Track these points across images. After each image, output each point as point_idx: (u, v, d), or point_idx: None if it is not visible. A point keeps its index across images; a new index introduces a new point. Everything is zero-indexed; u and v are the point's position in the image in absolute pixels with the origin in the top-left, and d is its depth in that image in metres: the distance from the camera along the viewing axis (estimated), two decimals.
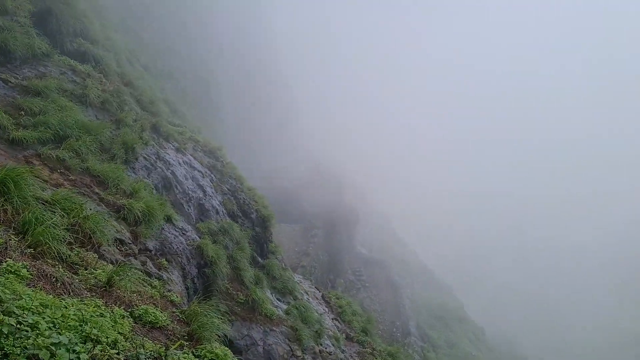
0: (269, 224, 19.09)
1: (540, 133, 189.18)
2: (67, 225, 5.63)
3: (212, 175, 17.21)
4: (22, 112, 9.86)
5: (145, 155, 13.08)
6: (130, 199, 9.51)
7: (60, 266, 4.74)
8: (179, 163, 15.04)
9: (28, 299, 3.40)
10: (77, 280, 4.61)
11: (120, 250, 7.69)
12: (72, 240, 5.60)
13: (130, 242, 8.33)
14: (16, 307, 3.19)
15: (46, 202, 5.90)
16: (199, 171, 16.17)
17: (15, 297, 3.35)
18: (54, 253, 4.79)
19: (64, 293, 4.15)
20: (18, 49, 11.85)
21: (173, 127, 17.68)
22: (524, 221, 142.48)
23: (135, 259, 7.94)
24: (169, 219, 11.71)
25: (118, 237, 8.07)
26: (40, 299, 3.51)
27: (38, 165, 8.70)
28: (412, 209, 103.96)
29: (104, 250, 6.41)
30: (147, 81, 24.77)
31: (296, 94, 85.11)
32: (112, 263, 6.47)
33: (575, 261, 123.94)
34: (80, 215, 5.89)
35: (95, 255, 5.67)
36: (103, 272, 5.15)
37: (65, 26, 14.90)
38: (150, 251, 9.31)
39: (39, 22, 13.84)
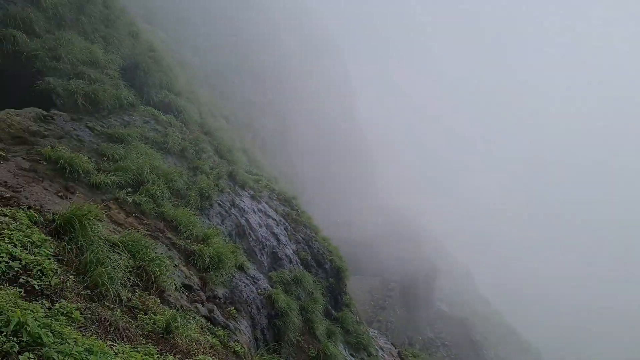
0: (344, 275, 18.53)
1: None
2: (131, 268, 5.47)
3: (287, 224, 17.04)
4: (105, 158, 10.16)
5: (220, 202, 13.12)
6: (202, 244, 9.40)
7: (118, 309, 4.54)
8: (254, 211, 15.00)
9: (73, 343, 3.15)
10: (133, 325, 4.36)
11: (187, 297, 7.47)
12: (136, 283, 5.42)
13: (198, 288, 8.11)
14: (57, 351, 2.94)
15: (114, 244, 5.79)
16: (273, 219, 16.05)
17: (59, 341, 3.11)
18: (113, 296, 4.60)
19: (117, 338, 3.89)
20: (106, 99, 12.41)
21: (249, 175, 17.84)
22: None
23: (203, 306, 7.69)
24: (240, 267, 11.52)
25: (186, 282, 7.89)
26: (87, 344, 3.25)
27: (115, 209, 8.81)
28: (496, 265, 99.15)
29: (168, 295, 6.19)
30: (227, 131, 25.48)
31: (373, 145, 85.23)
32: (176, 309, 6.22)
33: None
34: (146, 258, 5.73)
35: (157, 300, 5.45)
36: (162, 317, 4.88)
37: (151, 79, 15.58)
38: (219, 299, 9.06)
39: (127, 75, 14.56)
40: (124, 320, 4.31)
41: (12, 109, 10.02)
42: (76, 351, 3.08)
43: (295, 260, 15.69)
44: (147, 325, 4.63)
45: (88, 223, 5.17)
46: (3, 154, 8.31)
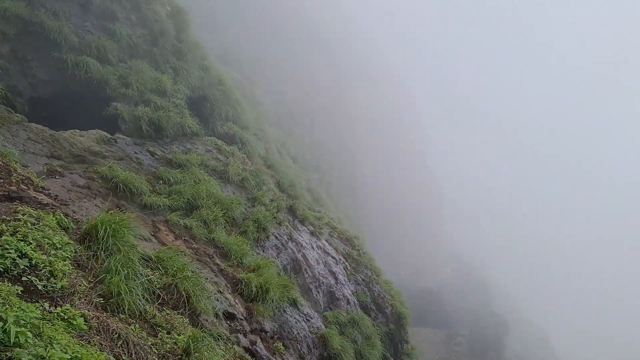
0: (405, 322, 17.44)
1: None
2: (162, 285, 5.05)
3: (347, 263, 16.35)
4: (160, 181, 10.05)
5: (276, 235, 12.70)
6: (252, 274, 8.94)
7: (137, 324, 4.09)
8: (312, 247, 14.47)
9: (59, 349, 2.70)
10: (149, 343, 3.88)
11: (228, 325, 6.96)
12: (166, 301, 4.99)
13: (242, 318, 7.60)
14: (31, 354, 2.50)
15: (148, 258, 5.43)
16: (332, 257, 15.44)
17: (41, 344, 2.67)
18: (132, 309, 4.17)
19: (124, 354, 3.43)
20: (170, 126, 12.51)
21: (311, 212, 17.43)
22: None
23: (245, 337, 7.14)
24: (293, 303, 10.94)
25: (229, 310, 7.40)
26: (77, 353, 2.80)
27: (164, 230, 8.57)
28: (576, 324, 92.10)
29: (205, 320, 5.71)
30: (294, 170, 25.37)
31: (444, 194, 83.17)
32: (211, 335, 5.71)
33: None
34: (180, 276, 5.30)
35: (187, 321, 4.96)
36: (185, 338, 4.38)
37: (217, 111, 15.71)
38: (266, 332, 8.49)
39: (193, 106, 14.73)
40: (139, 336, 3.86)
41: (77, 130, 10.18)
42: (58, 357, 2.62)
43: (354, 302, 14.90)
44: (165, 344, 4.15)
45: (116, 231, 4.83)
46: (60, 170, 8.32)
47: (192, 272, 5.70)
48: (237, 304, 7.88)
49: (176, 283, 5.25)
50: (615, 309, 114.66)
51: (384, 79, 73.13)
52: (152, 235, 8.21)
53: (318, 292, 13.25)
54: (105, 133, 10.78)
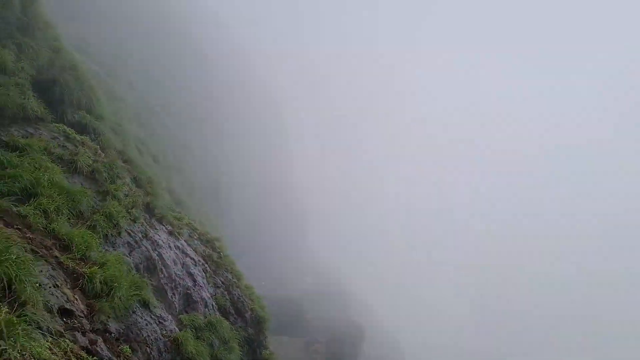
0: (265, 326, 17.12)
1: None
2: None
3: (206, 265, 15.66)
4: None
5: (130, 231, 11.73)
6: (97, 268, 8.05)
7: None
8: (170, 246, 13.63)
9: None
10: None
11: (64, 322, 6.12)
12: None
13: (82, 316, 6.76)
14: None
15: None
16: (191, 258, 14.68)
17: None
18: None
19: None
20: (8, 106, 11.03)
21: (171, 211, 16.51)
22: None
23: (84, 335, 6.33)
24: (145, 303, 10.11)
25: (67, 307, 6.53)
26: None
27: None
28: (425, 331, 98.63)
29: (33, 313, 4.88)
30: (154, 169, 24.03)
31: (307, 206, 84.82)
32: (43, 332, 4.91)
33: None
34: (0, 258, 4.47)
35: (5, 309, 4.15)
36: None
37: (69, 97, 14.27)
38: (111, 333, 7.67)
39: (40, 89, 13.22)
40: None
41: None
42: None
43: (212, 305, 14.25)
44: None
45: None
46: None
47: (17, 256, 4.84)
48: (76, 300, 7.01)
49: None
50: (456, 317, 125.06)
51: (253, 89, 73.08)
52: None
53: (174, 293, 12.45)
54: None
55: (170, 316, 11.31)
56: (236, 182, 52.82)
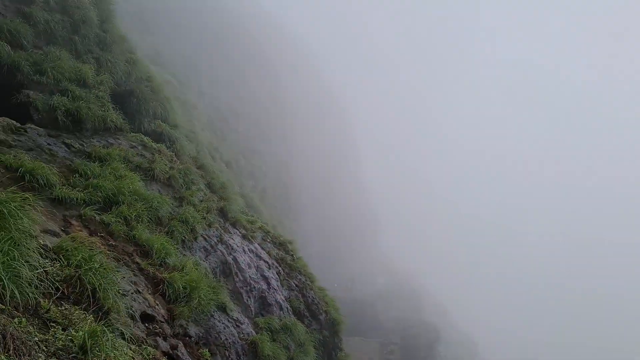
0: (339, 328, 17.06)
1: None
2: (63, 277, 4.34)
3: (280, 268, 15.77)
4: (77, 175, 9.14)
5: (205, 236, 11.98)
6: (176, 273, 8.23)
7: (23, 318, 3.39)
8: (244, 250, 13.81)
9: None
10: (35, 339, 3.20)
11: (145, 327, 6.25)
12: (66, 295, 4.27)
13: (162, 321, 6.89)
14: None
15: (49, 249, 4.68)
16: (265, 262, 14.81)
17: None
18: (18, 301, 3.47)
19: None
20: (90, 119, 11.55)
21: (244, 215, 16.77)
22: None
23: (165, 340, 6.44)
24: (222, 307, 10.26)
25: (148, 312, 6.68)
26: None
27: (77, 225, 7.72)
28: (502, 332, 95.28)
29: (116, 320, 4.99)
30: (227, 174, 24.57)
31: (378, 205, 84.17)
32: (126, 339, 5.00)
33: None
34: (84, 267, 4.59)
35: (90, 318, 4.25)
36: (82, 333, 3.71)
37: (145, 107, 14.83)
38: (190, 337, 7.81)
39: (118, 100, 13.79)
40: (23, 330, 3.17)
41: None
42: None
43: (287, 308, 14.32)
44: (58, 340, 3.48)
45: (11, 214, 4.08)
46: None
47: (100, 264, 4.97)
48: (157, 305, 7.16)
49: (79, 275, 4.53)
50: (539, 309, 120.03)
51: (317, 90, 73.43)
52: (62, 230, 7.36)
53: (249, 297, 12.60)
54: (14, 122, 9.72)
55: (246, 319, 11.43)
56: (305, 184, 53.24)
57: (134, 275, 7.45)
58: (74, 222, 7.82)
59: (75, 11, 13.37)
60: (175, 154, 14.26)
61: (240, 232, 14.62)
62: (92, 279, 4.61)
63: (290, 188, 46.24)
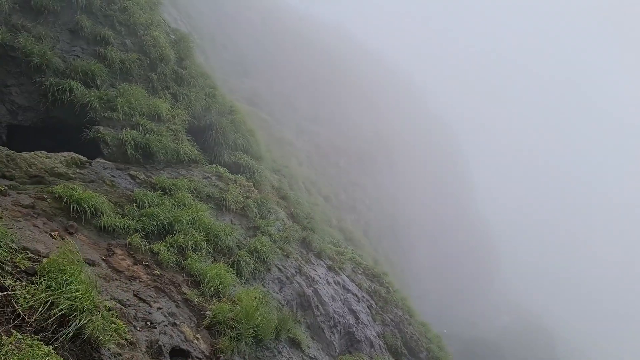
0: None
1: None
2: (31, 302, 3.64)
3: (372, 302, 14.50)
4: (134, 204, 8.80)
5: (280, 267, 11.16)
6: (225, 304, 7.42)
7: None
8: (328, 282, 12.79)
9: None
10: None
11: None
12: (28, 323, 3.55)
13: (200, 357, 6.04)
14: None
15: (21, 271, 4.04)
16: (353, 294, 13.66)
17: None
18: None
19: None
20: (161, 151, 11.39)
21: (332, 246, 15.83)
22: None
23: None
24: (296, 343, 9.28)
25: (182, 347, 5.88)
26: None
27: (120, 254, 7.26)
28: None
29: (106, 355, 4.20)
30: (323, 208, 23.92)
31: (495, 236, 79.09)
32: None
33: None
34: (60, 291, 3.86)
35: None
36: None
37: (224, 139, 14.63)
38: None
39: (197, 134, 13.71)
40: None
41: (43, 152, 9.15)
42: None
43: (379, 345, 12.96)
44: None
45: None
46: (2, 189, 7.20)
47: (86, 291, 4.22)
48: (197, 339, 6.34)
49: (53, 299, 3.80)
50: None
51: (422, 117, 71.64)
52: (102, 259, 6.90)
53: (332, 332, 11.48)
54: (80, 156, 9.70)
55: (327, 356, 10.33)
56: (414, 219, 51.19)
57: (176, 306, 6.76)
58: (118, 250, 7.37)
59: (152, 50, 13.58)
60: (253, 184, 13.80)
61: (325, 263, 13.66)
62: (64, 304, 3.86)
63: (397, 221, 44.59)
